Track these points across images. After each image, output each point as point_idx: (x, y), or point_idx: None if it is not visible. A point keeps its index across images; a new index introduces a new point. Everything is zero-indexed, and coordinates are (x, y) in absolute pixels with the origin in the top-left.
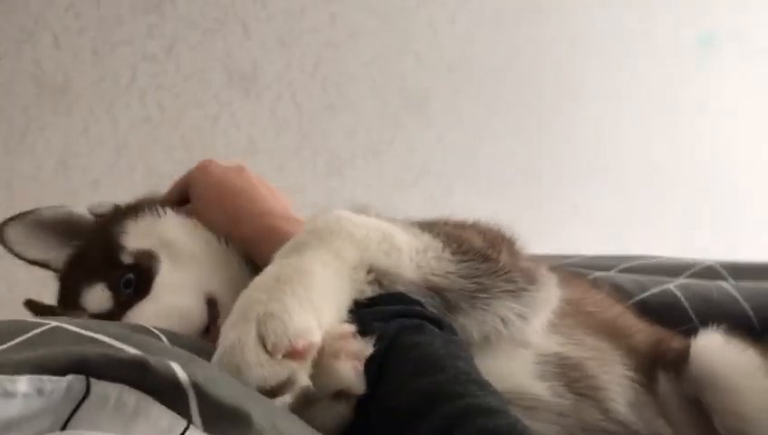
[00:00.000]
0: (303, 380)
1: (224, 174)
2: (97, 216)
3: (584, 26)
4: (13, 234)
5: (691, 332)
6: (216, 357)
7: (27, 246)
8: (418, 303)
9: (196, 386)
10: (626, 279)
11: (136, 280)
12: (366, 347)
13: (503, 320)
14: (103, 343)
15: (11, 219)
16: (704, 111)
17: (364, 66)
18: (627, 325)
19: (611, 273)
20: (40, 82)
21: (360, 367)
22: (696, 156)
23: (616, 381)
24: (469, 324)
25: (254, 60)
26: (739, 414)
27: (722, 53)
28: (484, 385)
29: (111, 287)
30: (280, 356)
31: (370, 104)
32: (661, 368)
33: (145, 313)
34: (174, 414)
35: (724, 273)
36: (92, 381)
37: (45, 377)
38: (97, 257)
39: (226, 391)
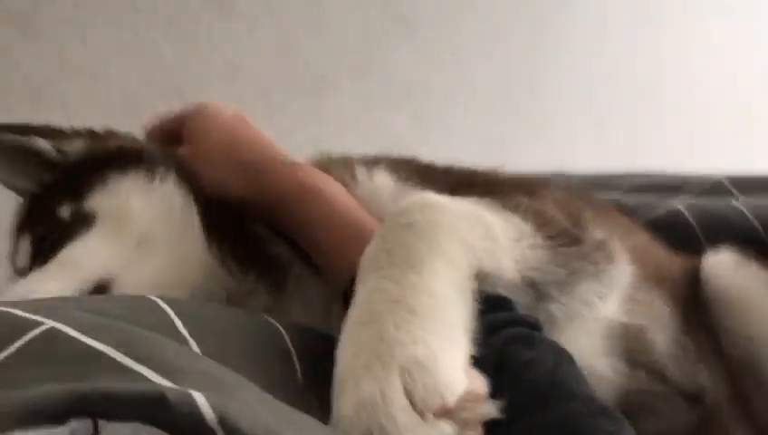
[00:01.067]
0: None
1: (228, 120)
2: (61, 152)
3: None
4: None
5: (701, 253)
6: (347, 410)
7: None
8: (511, 304)
9: (224, 424)
10: (635, 200)
11: (54, 242)
12: (493, 411)
13: (586, 302)
14: (107, 356)
15: None
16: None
17: None
18: (667, 266)
19: (618, 195)
20: (7, 7)
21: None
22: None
23: (665, 341)
24: (557, 309)
25: None
26: (749, 337)
27: None
28: (612, 416)
29: (32, 242)
30: (430, 415)
31: (355, 23)
32: (695, 302)
33: (14, 291)
34: None
35: (733, 189)
36: (101, 423)
37: (44, 431)
38: (49, 200)
39: (263, 420)
